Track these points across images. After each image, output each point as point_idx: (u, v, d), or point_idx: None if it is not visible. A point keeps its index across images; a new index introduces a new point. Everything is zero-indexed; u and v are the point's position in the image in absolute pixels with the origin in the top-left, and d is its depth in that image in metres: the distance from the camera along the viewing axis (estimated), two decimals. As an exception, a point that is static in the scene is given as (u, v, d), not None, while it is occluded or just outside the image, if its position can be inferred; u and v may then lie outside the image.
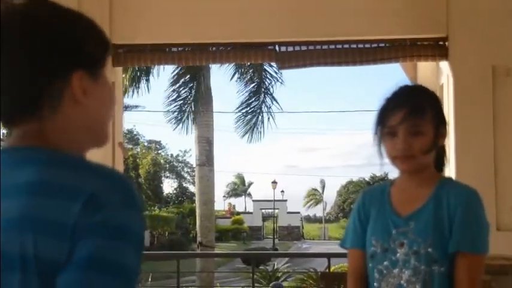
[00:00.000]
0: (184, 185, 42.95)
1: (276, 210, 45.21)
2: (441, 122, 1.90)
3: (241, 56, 4.79)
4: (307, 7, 4.63)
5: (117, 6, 4.64)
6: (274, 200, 44.62)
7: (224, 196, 57.73)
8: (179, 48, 4.75)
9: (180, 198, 40.78)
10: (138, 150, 38.77)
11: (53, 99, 1.01)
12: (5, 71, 0.99)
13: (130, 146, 37.03)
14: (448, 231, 1.82)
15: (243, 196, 59.60)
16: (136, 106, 28.14)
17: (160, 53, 4.75)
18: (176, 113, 14.52)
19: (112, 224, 0.93)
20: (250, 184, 60.49)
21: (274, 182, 44.09)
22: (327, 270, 5.75)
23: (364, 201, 2.00)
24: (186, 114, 14.47)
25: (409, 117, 1.84)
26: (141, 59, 4.81)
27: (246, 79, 14.41)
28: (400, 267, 1.85)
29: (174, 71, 14.33)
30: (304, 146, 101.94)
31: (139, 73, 13.71)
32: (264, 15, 4.63)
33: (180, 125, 14.66)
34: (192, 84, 14.37)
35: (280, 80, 14.48)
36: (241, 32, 4.69)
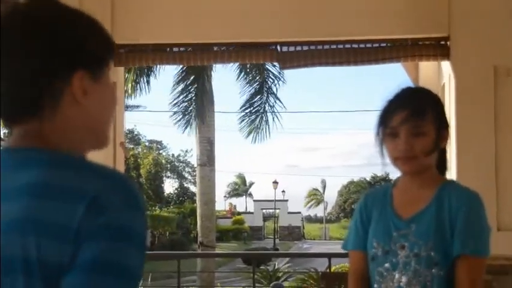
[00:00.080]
0: (185, 185, 42.98)
1: (277, 210, 45.21)
2: (443, 124, 1.90)
3: (243, 56, 4.79)
4: (309, 7, 4.63)
5: (119, 6, 4.64)
6: (275, 200, 44.61)
7: (225, 196, 57.77)
8: (181, 48, 4.75)
9: (181, 198, 40.78)
10: (139, 150, 38.78)
11: (53, 100, 1.01)
12: (6, 71, 0.99)
13: (132, 146, 37.04)
14: (449, 234, 1.82)
15: (244, 196, 59.62)
16: (138, 106, 28.15)
17: (162, 53, 4.76)
18: (181, 113, 14.47)
19: (115, 225, 0.93)
20: (251, 184, 60.51)
21: (275, 182, 44.10)
22: (328, 270, 5.75)
23: (366, 203, 2.00)
24: (191, 115, 14.41)
25: (411, 118, 1.84)
26: (142, 59, 4.81)
27: (249, 79, 14.38)
28: (401, 269, 1.85)
29: (177, 71, 14.30)
30: (305, 145, 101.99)
31: (139, 73, 13.69)
32: (266, 16, 4.63)
33: (186, 125, 14.62)
34: (196, 85, 14.32)
35: (282, 79, 14.46)
36: (243, 32, 4.69)
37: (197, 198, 16.03)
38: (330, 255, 5.81)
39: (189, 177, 42.41)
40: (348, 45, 4.59)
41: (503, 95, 4.30)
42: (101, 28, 1.08)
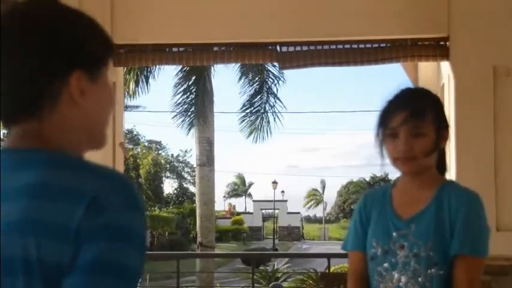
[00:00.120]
0: (185, 185, 42.98)
1: (276, 211, 45.22)
2: (442, 124, 1.91)
3: (242, 56, 4.79)
4: (308, 7, 4.63)
5: (119, 6, 4.64)
6: (275, 201, 44.63)
7: (224, 196, 57.76)
8: (180, 49, 4.75)
9: (180, 199, 40.78)
10: (139, 150, 38.77)
11: (51, 99, 1.01)
12: (6, 70, 0.99)
13: (131, 146, 37.04)
14: (449, 234, 1.82)
15: (243, 196, 59.60)
16: (137, 106, 28.14)
17: (161, 53, 4.75)
18: (183, 114, 14.43)
19: (114, 226, 0.93)
20: (250, 184, 60.49)
21: (275, 182, 44.11)
22: (327, 271, 5.75)
23: (366, 203, 2.00)
24: (194, 115, 14.37)
25: (411, 119, 1.84)
26: (142, 59, 4.81)
27: (249, 79, 14.37)
28: (400, 269, 1.85)
29: (178, 71, 14.27)
30: (305, 146, 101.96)
31: (139, 73, 13.68)
32: (265, 16, 4.63)
33: (189, 126, 14.57)
34: (197, 85, 14.29)
35: (282, 79, 14.44)
36: (243, 32, 4.69)
37: (196, 198, 16.03)
38: (329, 256, 5.81)
39: (189, 178, 42.41)
40: (347, 46, 4.59)
41: (502, 95, 4.31)
42: (100, 28, 1.08)
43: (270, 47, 4.70)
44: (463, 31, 4.40)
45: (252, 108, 14.57)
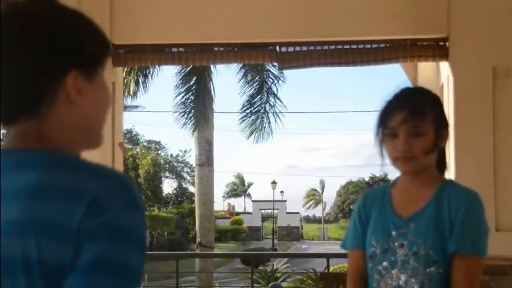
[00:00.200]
0: (184, 185, 42.98)
1: (276, 211, 45.23)
2: (442, 123, 1.91)
3: (242, 57, 4.79)
4: (308, 8, 4.63)
5: (118, 7, 4.64)
6: (274, 201, 44.64)
7: (223, 196, 57.74)
8: (180, 49, 4.75)
9: (179, 199, 40.77)
10: (138, 150, 38.76)
11: (49, 99, 1.01)
12: (5, 70, 0.99)
13: (130, 146, 37.03)
14: (448, 233, 1.82)
15: (243, 196, 59.60)
16: (136, 106, 28.13)
17: (160, 53, 4.75)
18: (185, 114, 14.39)
19: (115, 226, 0.93)
20: (249, 184, 60.49)
21: (274, 183, 44.11)
22: (326, 271, 5.75)
23: (365, 202, 2.01)
24: (196, 115, 14.31)
25: (410, 118, 1.84)
26: (141, 59, 4.81)
27: (249, 79, 14.34)
28: (399, 268, 1.85)
29: (178, 71, 14.23)
30: (305, 146, 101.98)
31: (139, 73, 13.67)
32: (265, 16, 4.63)
33: (194, 126, 14.53)
34: (198, 85, 14.24)
35: (282, 79, 14.41)
36: (242, 32, 4.69)
37: (196, 198, 16.03)
38: (328, 256, 5.81)
39: (188, 178, 42.40)
40: (347, 46, 4.60)
41: (502, 95, 4.31)
42: (98, 28, 1.08)
43: (269, 47, 4.70)
44: (462, 31, 4.40)
45: (252, 108, 14.54)
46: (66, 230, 0.91)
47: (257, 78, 14.31)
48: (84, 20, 1.07)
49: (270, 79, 14.31)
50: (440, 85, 4.74)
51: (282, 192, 50.81)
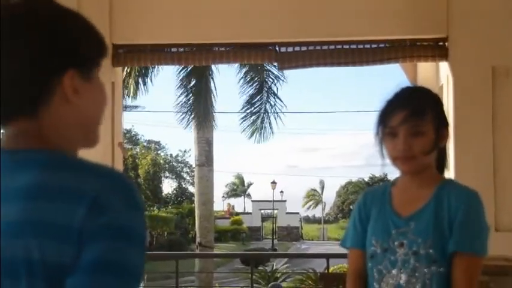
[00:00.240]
0: (184, 185, 42.98)
1: (275, 211, 45.22)
2: (442, 123, 1.91)
3: (242, 57, 4.80)
4: (308, 8, 4.63)
5: (117, 7, 4.64)
6: (274, 201, 44.63)
7: (223, 196, 57.71)
8: (179, 49, 4.75)
9: (179, 199, 40.77)
10: (138, 150, 38.77)
11: (47, 98, 1.01)
12: (5, 70, 0.99)
13: (130, 146, 37.03)
14: (448, 232, 1.82)
15: (242, 196, 59.59)
16: (136, 106, 28.12)
17: (160, 53, 4.75)
18: (188, 114, 14.35)
19: (115, 226, 0.94)
20: (249, 184, 60.47)
21: (274, 183, 44.11)
22: (326, 271, 5.75)
23: (365, 201, 2.01)
24: (197, 115, 14.26)
25: (410, 118, 1.84)
26: (141, 59, 4.81)
27: (249, 79, 14.31)
28: (399, 267, 1.85)
29: (179, 71, 14.20)
30: (305, 146, 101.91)
31: (139, 73, 13.66)
32: (265, 16, 4.63)
33: (199, 126, 14.49)
34: (200, 85, 14.21)
35: (283, 79, 14.38)
36: (242, 32, 4.69)
37: (195, 198, 16.02)
38: (328, 256, 5.81)
39: (188, 178, 42.40)
40: (346, 46, 4.60)
41: (501, 95, 4.31)
42: (94, 28, 1.09)
43: (269, 47, 4.70)
44: (462, 32, 4.40)
45: (252, 108, 14.51)
46: (67, 230, 0.92)
47: (257, 78, 14.29)
48: (81, 20, 1.07)
49: (270, 79, 14.29)
50: (440, 85, 4.74)
51: (281, 192, 50.82)
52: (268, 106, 14.33)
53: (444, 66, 4.64)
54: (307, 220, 65.63)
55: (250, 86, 14.35)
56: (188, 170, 42.12)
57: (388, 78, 13.31)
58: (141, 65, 5.53)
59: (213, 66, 13.80)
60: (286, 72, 13.68)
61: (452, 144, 4.14)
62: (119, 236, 0.94)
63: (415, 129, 1.85)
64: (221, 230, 36.99)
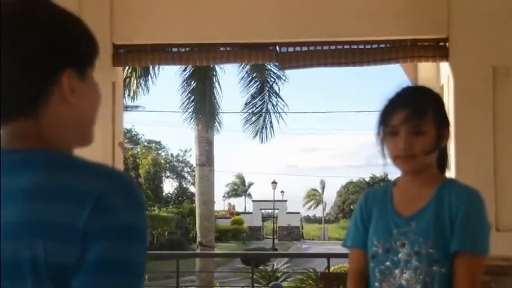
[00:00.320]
0: (184, 185, 42.99)
1: (276, 211, 45.22)
2: (443, 123, 1.91)
3: (242, 57, 4.79)
4: (308, 8, 4.63)
5: (118, 6, 4.63)
6: (274, 201, 44.63)
7: (224, 196, 57.76)
8: (180, 49, 4.75)
9: (180, 198, 40.79)
10: (138, 150, 38.76)
11: (47, 98, 1.02)
12: (5, 70, 0.99)
13: (130, 146, 37.02)
14: (449, 231, 1.82)
15: (243, 196, 59.62)
16: (137, 106, 28.12)
17: (160, 53, 4.75)
18: (188, 113, 14.31)
19: (119, 225, 0.94)
20: (250, 184, 60.49)
21: (274, 182, 44.11)
22: (327, 271, 5.76)
23: (367, 201, 2.01)
24: (198, 115, 14.21)
25: (411, 118, 1.85)
26: (141, 59, 4.81)
27: (250, 78, 14.27)
28: (402, 267, 1.86)
29: (182, 71, 14.16)
30: (305, 146, 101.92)
31: (139, 73, 13.64)
32: (265, 16, 4.63)
33: (206, 126, 14.43)
34: (203, 85, 14.16)
35: (284, 78, 14.33)
36: (242, 32, 4.69)
37: (196, 198, 16.02)
38: (328, 256, 5.82)
39: (188, 177, 42.40)
40: (347, 46, 4.59)
41: (502, 95, 4.31)
42: (87, 28, 1.09)
43: (269, 47, 4.70)
44: (462, 32, 4.40)
45: (254, 108, 14.48)
46: (72, 230, 0.92)
47: (258, 77, 14.25)
48: (77, 20, 1.08)
49: (271, 78, 14.26)
50: (441, 85, 4.74)
51: (282, 192, 50.85)
52: (269, 106, 14.31)
53: (445, 67, 4.64)
54: (308, 220, 65.64)
55: (251, 85, 14.32)
56: (189, 170, 42.13)
57: (389, 79, 13.32)
58: (141, 65, 5.54)
59: (216, 66, 13.78)
60: (287, 72, 13.67)
61: (452, 144, 4.14)
62: (123, 235, 0.94)
63: (416, 128, 1.85)
64: (222, 229, 37.00)
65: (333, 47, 4.60)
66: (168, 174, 42.54)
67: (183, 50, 4.75)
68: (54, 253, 0.92)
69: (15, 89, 1.00)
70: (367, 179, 58.40)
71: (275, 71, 13.90)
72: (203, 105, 13.96)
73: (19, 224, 0.93)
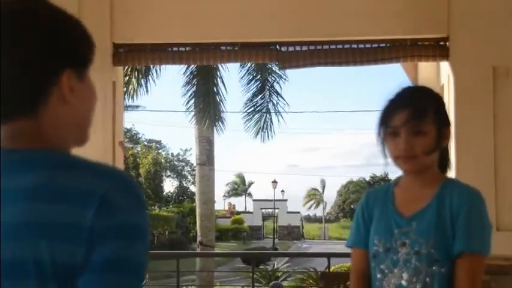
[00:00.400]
0: (185, 184, 42.98)
1: (276, 210, 45.22)
2: (444, 123, 1.91)
3: (242, 56, 4.79)
4: (309, 7, 4.63)
5: (118, 6, 4.63)
6: (274, 200, 44.63)
7: (224, 195, 57.80)
8: (180, 48, 4.75)
9: (180, 198, 40.79)
10: (139, 149, 38.76)
11: (46, 98, 1.02)
12: (6, 70, 0.99)
13: (131, 146, 37.02)
14: (450, 231, 1.82)
15: (243, 196, 59.63)
16: (137, 106, 28.11)
17: (160, 52, 4.75)
18: (191, 113, 14.27)
19: (124, 224, 0.95)
20: (250, 184, 60.51)
21: (275, 182, 44.10)
22: (327, 270, 5.76)
23: (368, 201, 2.01)
24: (211, 115, 14.15)
25: (412, 118, 1.85)
26: (141, 58, 4.81)
27: (250, 78, 14.25)
28: (401, 267, 1.86)
29: (184, 70, 14.13)
30: (305, 145, 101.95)
31: (140, 73, 13.63)
32: (266, 16, 4.63)
33: (211, 125, 14.41)
34: (206, 85, 14.12)
35: (285, 78, 14.30)
36: (243, 32, 4.69)
37: (196, 197, 16.02)
38: (329, 255, 5.83)
39: (189, 177, 42.41)
40: (347, 46, 4.59)
41: (502, 95, 4.31)
42: (85, 28, 1.10)
43: (270, 47, 4.70)
44: (462, 31, 4.40)
45: (255, 107, 14.46)
46: (77, 230, 0.93)
47: (259, 76, 14.23)
48: (76, 20, 1.08)
49: (272, 77, 14.24)
50: (441, 85, 4.74)
51: (282, 191, 50.85)
52: (270, 105, 14.29)
53: (445, 66, 4.64)
54: (308, 219, 65.62)
55: (252, 84, 14.30)
56: (189, 169, 42.14)
57: (389, 78, 13.33)
58: (141, 64, 5.53)
59: (219, 66, 13.76)
60: (287, 71, 13.65)
61: (453, 144, 4.14)
62: (127, 235, 0.95)
63: (416, 128, 1.85)
64: (222, 229, 37.00)
65: (333, 47, 4.60)
66: (168, 173, 42.56)
67: (183, 49, 4.75)
68: (60, 253, 0.92)
69: (15, 89, 1.00)
70: (368, 179, 58.41)
71: (276, 70, 13.87)
72: (207, 104, 13.94)
73: (19, 224, 0.93)
